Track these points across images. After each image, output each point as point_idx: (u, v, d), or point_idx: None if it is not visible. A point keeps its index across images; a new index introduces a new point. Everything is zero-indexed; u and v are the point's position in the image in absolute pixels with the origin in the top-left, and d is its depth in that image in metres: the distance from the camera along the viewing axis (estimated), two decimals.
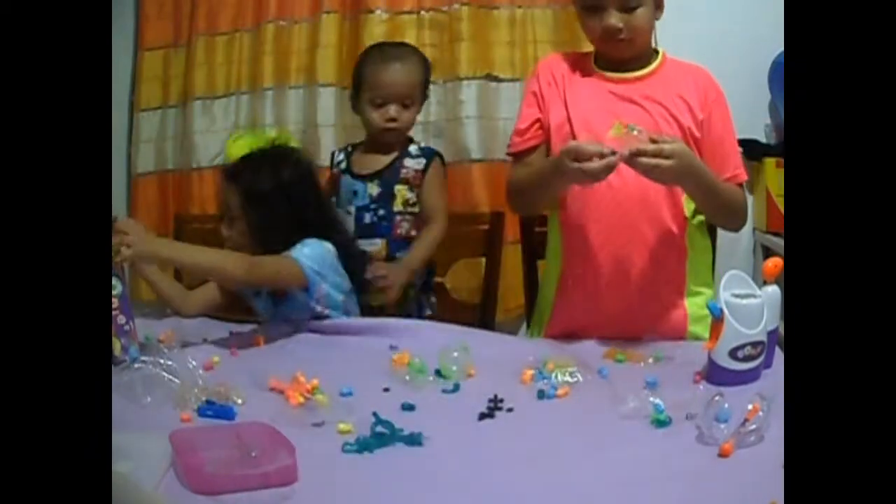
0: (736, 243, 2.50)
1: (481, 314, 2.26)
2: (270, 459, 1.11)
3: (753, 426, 1.20)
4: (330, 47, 2.64)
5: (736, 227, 1.86)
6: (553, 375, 1.49)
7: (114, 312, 1.56)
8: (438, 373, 1.52)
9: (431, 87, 2.29)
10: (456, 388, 1.48)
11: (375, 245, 2.13)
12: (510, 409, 1.37)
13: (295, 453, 1.12)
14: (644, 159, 1.53)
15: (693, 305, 1.80)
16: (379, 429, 1.25)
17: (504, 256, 2.36)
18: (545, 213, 1.96)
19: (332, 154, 2.30)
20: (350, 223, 2.13)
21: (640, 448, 1.22)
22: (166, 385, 1.39)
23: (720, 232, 1.96)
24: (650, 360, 1.59)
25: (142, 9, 2.73)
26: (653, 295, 1.76)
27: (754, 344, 1.46)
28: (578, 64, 1.85)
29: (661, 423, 1.28)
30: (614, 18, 1.72)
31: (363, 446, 1.21)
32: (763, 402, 1.22)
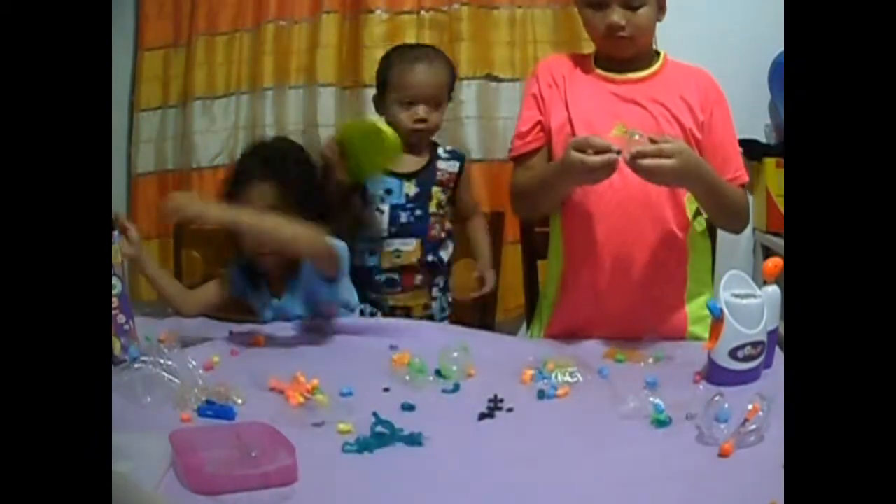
0: (736, 243, 2.50)
1: (481, 314, 2.26)
2: (270, 459, 1.11)
3: (753, 426, 1.20)
4: (330, 47, 2.63)
5: (738, 228, 1.86)
6: (553, 375, 1.49)
7: (114, 312, 1.56)
8: (438, 373, 1.52)
9: None
10: (456, 388, 1.48)
11: (409, 245, 2.12)
12: (510, 409, 1.37)
13: (295, 453, 1.12)
14: (646, 161, 1.53)
15: (693, 306, 1.80)
16: (379, 429, 1.25)
17: (504, 256, 2.36)
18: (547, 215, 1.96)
19: None
20: (383, 221, 2.10)
21: (640, 448, 1.23)
22: (166, 385, 1.39)
23: (720, 232, 1.96)
24: (650, 360, 1.59)
25: (142, 9, 2.72)
26: (654, 296, 1.76)
27: (754, 344, 1.46)
28: (578, 65, 1.85)
29: (661, 423, 1.28)
30: (617, 15, 1.72)
31: (363, 446, 1.21)
32: (763, 402, 1.22)
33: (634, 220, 1.73)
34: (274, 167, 1.91)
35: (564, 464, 1.19)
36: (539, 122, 1.83)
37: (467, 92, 2.60)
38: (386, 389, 1.47)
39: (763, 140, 2.71)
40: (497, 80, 2.63)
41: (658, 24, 1.81)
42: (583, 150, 1.55)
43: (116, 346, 1.56)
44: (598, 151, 1.54)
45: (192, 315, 1.96)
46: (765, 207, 2.65)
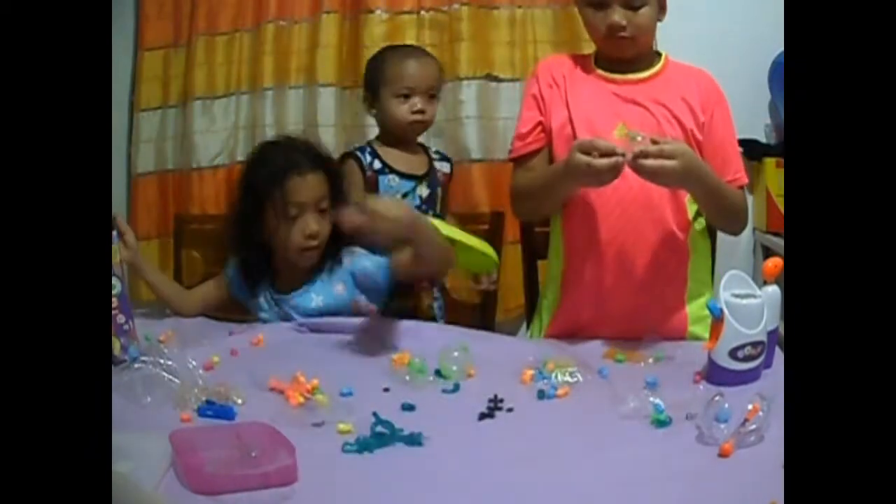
0: (736, 243, 2.49)
1: (481, 314, 2.26)
2: (270, 459, 1.11)
3: (753, 426, 1.20)
4: (330, 47, 2.63)
5: (737, 230, 1.86)
6: (553, 375, 1.49)
7: (114, 312, 1.56)
8: (438, 373, 1.52)
9: None
10: (456, 388, 1.48)
11: None
12: (510, 409, 1.37)
13: (295, 453, 1.12)
14: (648, 161, 1.53)
15: (693, 306, 1.80)
16: (379, 429, 1.25)
17: (504, 256, 2.35)
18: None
19: (353, 155, 2.17)
20: None
21: (640, 448, 1.22)
22: (166, 385, 1.39)
23: (720, 232, 1.95)
24: (650, 360, 1.59)
25: (142, 9, 2.72)
26: (655, 296, 1.76)
27: (754, 344, 1.46)
28: (579, 65, 1.85)
29: (661, 423, 1.28)
30: (618, 15, 1.72)
31: (363, 446, 1.21)
32: (763, 402, 1.22)
33: (635, 221, 1.73)
34: (320, 159, 1.91)
35: (564, 464, 1.19)
36: (539, 123, 1.83)
37: (467, 92, 2.60)
38: (386, 389, 1.47)
39: (763, 140, 2.71)
40: (497, 80, 2.63)
41: (658, 24, 1.81)
42: (587, 153, 1.55)
43: (116, 346, 1.56)
44: (603, 154, 1.54)
45: (192, 315, 1.96)
46: (765, 207, 2.65)
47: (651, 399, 1.31)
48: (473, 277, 2.19)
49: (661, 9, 1.78)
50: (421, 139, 2.28)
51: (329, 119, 2.65)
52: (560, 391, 1.44)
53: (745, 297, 1.48)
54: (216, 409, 1.34)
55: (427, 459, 1.19)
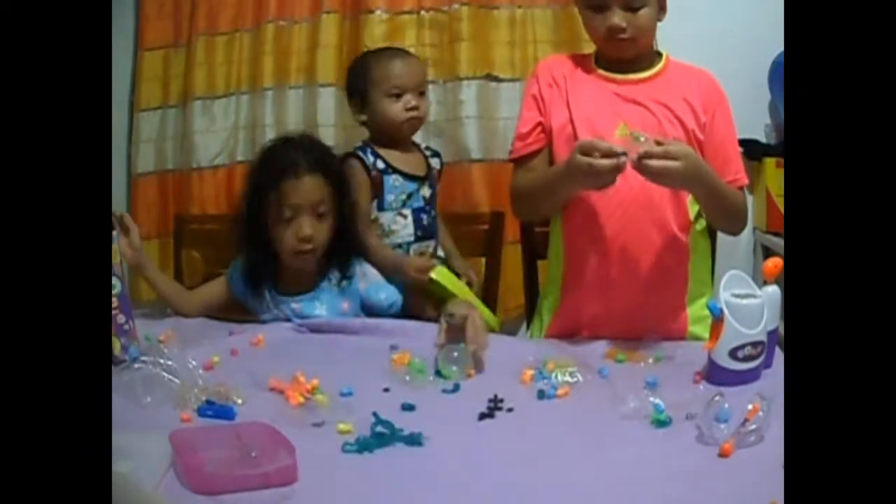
0: (736, 243, 2.49)
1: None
2: (270, 459, 1.11)
3: (753, 426, 1.20)
4: (330, 47, 2.63)
5: (736, 230, 1.86)
6: (553, 375, 1.49)
7: (114, 312, 1.56)
8: (438, 373, 1.52)
9: (431, 87, 2.29)
10: (456, 388, 1.48)
11: (430, 247, 2.14)
12: (510, 409, 1.37)
13: (295, 453, 1.12)
14: (653, 162, 1.53)
15: (694, 306, 1.80)
16: (379, 429, 1.25)
17: (504, 256, 2.36)
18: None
19: (356, 155, 2.13)
20: (408, 227, 2.10)
21: (640, 448, 1.23)
22: (166, 385, 1.39)
23: (720, 232, 1.95)
24: (650, 360, 1.59)
25: (142, 9, 2.72)
26: (656, 297, 1.76)
27: (754, 344, 1.46)
28: (579, 65, 1.85)
29: (661, 423, 1.28)
30: (618, 17, 1.72)
31: (363, 446, 1.21)
32: (763, 402, 1.22)
33: (636, 221, 1.73)
34: (321, 160, 1.90)
35: (564, 464, 1.19)
36: (539, 124, 1.82)
37: (467, 92, 2.60)
38: (386, 389, 1.47)
39: (763, 140, 2.71)
40: (497, 80, 2.62)
41: (658, 24, 1.81)
42: (589, 154, 1.55)
43: (116, 346, 1.56)
44: (605, 155, 1.54)
45: (192, 315, 1.96)
46: (765, 207, 2.65)
47: (651, 399, 1.31)
48: None
49: (661, 9, 1.78)
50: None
51: (329, 119, 2.64)
52: (560, 391, 1.44)
53: (745, 297, 1.48)
54: (216, 409, 1.34)
55: (427, 459, 1.19)
